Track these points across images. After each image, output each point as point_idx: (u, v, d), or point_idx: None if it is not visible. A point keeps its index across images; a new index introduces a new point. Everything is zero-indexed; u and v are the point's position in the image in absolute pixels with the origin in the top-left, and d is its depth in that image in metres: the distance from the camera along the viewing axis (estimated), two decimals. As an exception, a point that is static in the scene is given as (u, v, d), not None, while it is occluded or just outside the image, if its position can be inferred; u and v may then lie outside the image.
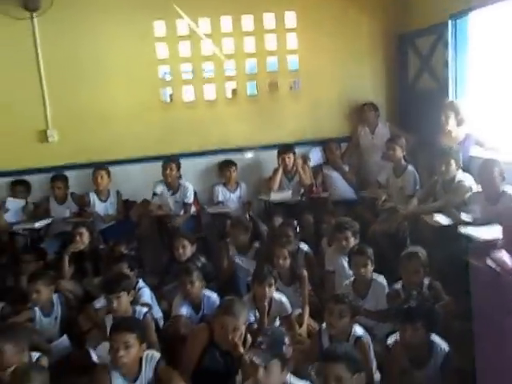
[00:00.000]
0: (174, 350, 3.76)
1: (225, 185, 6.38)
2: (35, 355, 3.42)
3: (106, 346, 3.53)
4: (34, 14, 5.88)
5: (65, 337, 4.20)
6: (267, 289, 3.98)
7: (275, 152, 6.31)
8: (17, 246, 5.74)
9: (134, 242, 5.58)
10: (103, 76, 6.19)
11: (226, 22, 6.33)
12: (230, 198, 6.34)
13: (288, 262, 4.58)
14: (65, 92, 6.13)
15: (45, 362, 3.40)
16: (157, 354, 3.31)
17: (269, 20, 6.40)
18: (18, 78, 6.02)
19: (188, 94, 6.54)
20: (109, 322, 3.87)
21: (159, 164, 6.08)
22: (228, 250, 5.17)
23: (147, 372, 3.22)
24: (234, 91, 6.78)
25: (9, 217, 5.85)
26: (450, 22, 5.56)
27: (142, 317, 3.88)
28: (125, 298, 3.87)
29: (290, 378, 2.90)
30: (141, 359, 3.22)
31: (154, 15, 6.19)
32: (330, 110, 6.72)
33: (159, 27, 6.24)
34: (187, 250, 4.92)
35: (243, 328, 3.38)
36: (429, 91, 6.13)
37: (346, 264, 4.50)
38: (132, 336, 3.12)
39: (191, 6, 6.13)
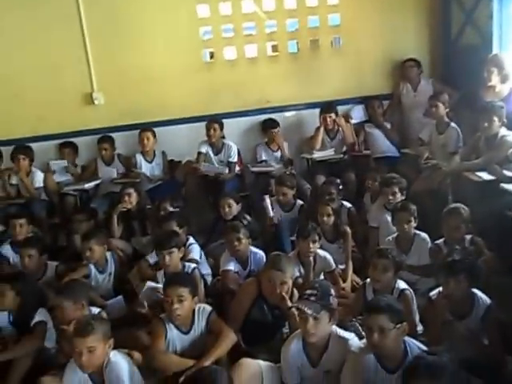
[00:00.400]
0: (222, 304, 3.93)
1: (267, 144, 6.46)
2: (95, 310, 3.64)
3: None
4: (78, -25, 5.97)
5: (120, 297, 4.38)
6: (311, 244, 4.11)
7: (317, 110, 6.36)
8: (67, 206, 5.96)
9: (180, 200, 5.73)
10: (146, 38, 6.29)
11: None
12: (272, 156, 6.43)
13: (332, 219, 4.70)
14: (109, 54, 6.26)
15: (104, 315, 3.61)
16: (208, 307, 3.48)
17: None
18: (62, 40, 6.16)
19: (229, 53, 6.61)
20: (160, 277, 4.09)
21: (203, 124, 6.19)
22: (266, 206, 5.28)
23: (200, 324, 3.40)
24: (275, 49, 6.79)
25: (56, 178, 6.08)
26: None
27: (190, 272, 4.06)
28: (176, 255, 4.05)
29: (335, 329, 3.04)
30: (193, 312, 3.39)
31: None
32: (371, 67, 6.68)
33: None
34: (233, 208, 5.07)
35: (290, 282, 3.52)
36: (472, 46, 6.04)
37: (390, 220, 4.58)
38: (185, 290, 3.29)
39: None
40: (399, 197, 4.77)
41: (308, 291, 2.94)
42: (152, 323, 3.44)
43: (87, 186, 5.90)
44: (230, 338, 3.33)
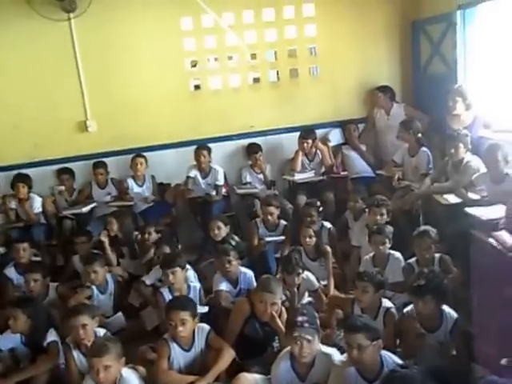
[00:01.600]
0: (216, 321, 4.32)
1: (251, 167, 6.85)
2: (101, 331, 4.02)
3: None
4: (71, 15, 6.32)
5: (120, 313, 4.80)
6: (296, 278, 4.52)
7: (297, 134, 6.77)
8: (65, 228, 6.28)
9: (162, 224, 6.15)
10: (136, 70, 6.66)
11: (248, 15, 6.76)
12: (256, 179, 6.81)
13: (314, 240, 5.15)
14: (101, 86, 6.62)
15: (109, 334, 4.01)
16: (207, 327, 3.90)
17: (288, 12, 6.82)
18: (58, 74, 6.50)
19: (214, 83, 7.01)
20: (165, 292, 4.53)
21: (190, 148, 6.62)
22: (258, 228, 5.71)
23: (200, 342, 3.83)
24: (257, 79, 7.21)
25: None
26: (458, 11, 5.95)
27: (197, 292, 4.57)
28: (179, 274, 4.47)
29: (320, 346, 3.45)
30: (194, 331, 3.80)
31: (181, 11, 6.61)
32: (347, 94, 7.14)
33: (186, 22, 6.67)
34: (222, 230, 5.45)
35: (279, 303, 3.94)
36: (439, 75, 6.52)
37: None
38: (187, 313, 3.71)
39: (215, 2, 6.52)
40: (385, 218, 5.19)
41: (299, 318, 3.30)
42: (157, 344, 3.84)
43: (85, 209, 6.23)
44: (229, 354, 3.75)
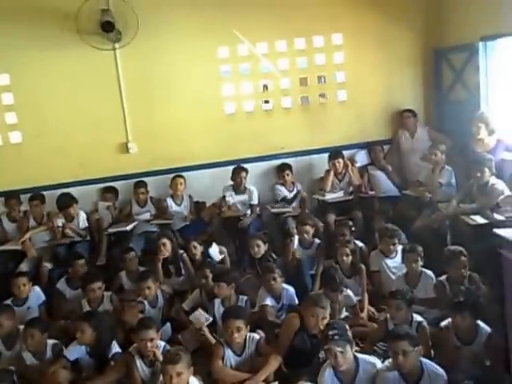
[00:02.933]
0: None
1: (282, 185, 7.22)
2: (161, 343, 4.39)
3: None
4: (116, 45, 6.76)
5: (168, 324, 5.17)
6: (339, 295, 4.85)
7: (325, 155, 7.18)
8: (106, 245, 6.70)
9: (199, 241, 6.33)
10: (174, 95, 7.11)
11: (281, 45, 7.21)
12: (287, 196, 7.17)
13: (350, 258, 5.49)
14: (142, 110, 7.08)
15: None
16: (257, 336, 4.35)
17: (318, 41, 7.26)
18: (102, 99, 6.99)
19: (248, 106, 7.44)
20: (217, 304, 4.97)
21: (224, 169, 7.09)
22: (293, 245, 6.06)
23: (250, 348, 4.28)
24: (288, 103, 7.58)
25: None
26: (480, 43, 6.34)
27: (244, 303, 4.98)
28: (225, 289, 4.93)
29: (363, 356, 3.84)
30: (245, 338, 4.24)
31: (219, 41, 7.09)
32: (373, 117, 7.56)
33: (223, 51, 7.14)
34: (261, 248, 5.79)
35: (328, 317, 4.31)
36: (462, 101, 6.90)
37: (390, 263, 5.51)
38: (242, 321, 4.17)
39: (250, 33, 7.04)
40: (397, 246, 5.56)
41: (330, 332, 3.69)
42: (213, 346, 4.30)
43: (129, 227, 6.62)
44: (277, 360, 4.20)
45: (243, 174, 6.89)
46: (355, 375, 3.75)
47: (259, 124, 7.41)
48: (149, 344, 4.19)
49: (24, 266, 6.21)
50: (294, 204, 7.12)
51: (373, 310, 5.32)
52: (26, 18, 6.59)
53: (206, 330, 4.40)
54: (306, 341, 4.34)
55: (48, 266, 6.26)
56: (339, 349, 3.62)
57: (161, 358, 4.14)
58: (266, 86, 7.66)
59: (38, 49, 6.68)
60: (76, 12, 6.47)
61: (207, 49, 7.07)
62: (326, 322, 4.21)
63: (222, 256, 6.24)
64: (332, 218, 6.71)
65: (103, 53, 6.73)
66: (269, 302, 5.04)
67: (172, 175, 7.01)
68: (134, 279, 5.70)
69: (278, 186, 7.22)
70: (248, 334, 4.28)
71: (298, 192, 7.24)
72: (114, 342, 4.52)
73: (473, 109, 6.46)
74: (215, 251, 6.18)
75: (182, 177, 6.93)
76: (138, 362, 4.27)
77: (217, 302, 5.00)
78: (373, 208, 6.88)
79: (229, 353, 4.21)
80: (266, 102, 7.75)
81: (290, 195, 7.19)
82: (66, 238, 6.55)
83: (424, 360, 3.67)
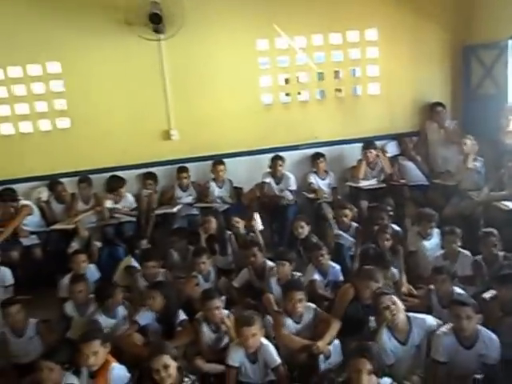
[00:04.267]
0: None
1: (316, 173, 7.59)
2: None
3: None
4: (162, 36, 7.09)
5: (224, 297, 5.44)
6: (388, 272, 5.28)
7: (357, 145, 7.57)
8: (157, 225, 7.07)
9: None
10: (215, 85, 7.49)
11: (318, 39, 7.58)
12: (320, 184, 7.54)
13: (390, 242, 5.84)
14: (184, 99, 7.45)
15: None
16: (312, 305, 4.69)
17: (353, 36, 7.63)
18: (146, 87, 7.35)
19: (284, 97, 7.83)
20: (273, 282, 5.32)
21: (260, 156, 7.53)
22: (332, 228, 6.44)
23: (308, 315, 4.62)
24: (323, 94, 7.99)
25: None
26: (510, 41, 6.74)
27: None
28: (287, 267, 5.25)
29: (413, 314, 4.23)
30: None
31: (258, 34, 7.46)
32: (403, 109, 7.92)
33: (261, 44, 7.51)
34: (305, 229, 6.14)
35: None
36: (490, 95, 7.27)
37: (427, 245, 5.84)
38: (302, 293, 4.57)
39: (288, 27, 7.40)
40: (433, 229, 5.91)
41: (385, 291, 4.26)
42: (275, 315, 4.70)
43: (175, 209, 6.99)
44: (337, 323, 4.55)
45: (280, 162, 7.26)
46: (409, 332, 4.15)
47: (294, 114, 7.79)
48: (216, 312, 4.55)
49: (75, 245, 6.57)
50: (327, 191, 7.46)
51: (410, 287, 5.68)
52: (77, 10, 6.96)
53: (227, 321, 4.63)
54: (359, 310, 4.70)
55: (98, 244, 6.62)
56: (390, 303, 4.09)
57: (229, 323, 4.54)
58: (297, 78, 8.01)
59: (88, 38, 7.05)
60: (125, 4, 6.83)
61: (247, 41, 7.43)
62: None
63: (263, 227, 6.54)
64: (365, 204, 7.08)
65: (149, 43, 7.06)
66: (316, 276, 5.42)
67: (211, 162, 7.40)
68: (185, 256, 6.14)
69: (310, 175, 7.56)
70: (307, 304, 4.64)
71: (331, 180, 7.58)
72: (180, 310, 4.87)
73: (501, 103, 6.87)
74: (258, 220, 6.50)
75: (222, 162, 7.31)
76: (205, 328, 4.62)
77: (273, 280, 5.37)
78: (402, 195, 7.23)
79: (289, 322, 4.56)
80: (298, 93, 8.08)
81: (322, 183, 7.53)
82: (114, 219, 6.91)
83: (479, 327, 4.01)
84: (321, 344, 4.31)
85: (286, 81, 7.84)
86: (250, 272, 5.71)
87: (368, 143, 7.46)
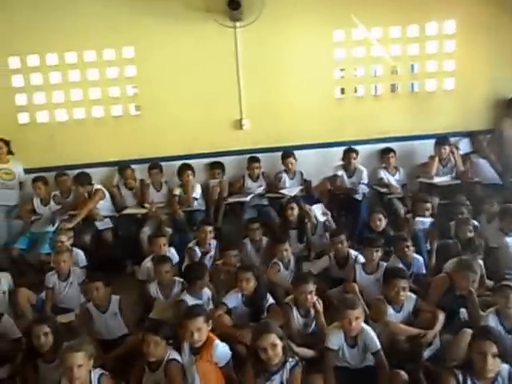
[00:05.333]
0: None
1: (385, 168, 7.48)
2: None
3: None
4: (237, 24, 7.09)
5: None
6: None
7: (428, 141, 7.43)
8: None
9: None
10: (289, 76, 7.45)
11: (395, 31, 7.47)
12: (390, 180, 7.40)
13: (472, 234, 5.75)
14: (257, 89, 7.41)
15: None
16: (413, 295, 4.58)
17: (430, 28, 7.49)
18: (219, 75, 7.35)
19: (358, 90, 7.74)
20: (359, 269, 5.32)
21: (330, 149, 7.49)
22: (409, 223, 6.33)
23: (408, 306, 4.53)
24: (396, 89, 7.88)
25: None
26: None
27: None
28: (376, 253, 5.23)
29: None
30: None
31: (334, 25, 7.39)
32: (478, 106, 7.71)
33: (338, 35, 7.43)
34: (382, 222, 6.12)
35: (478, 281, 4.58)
36: None
37: (509, 241, 5.69)
38: (406, 281, 4.47)
39: (366, 18, 7.30)
40: None
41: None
42: (377, 303, 4.54)
43: (248, 198, 6.96)
44: (443, 315, 4.43)
45: (354, 154, 7.17)
46: None
47: (366, 109, 7.68)
48: (309, 296, 4.48)
49: (147, 230, 6.56)
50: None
51: (491, 282, 5.54)
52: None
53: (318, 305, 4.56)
54: (453, 300, 4.60)
55: (169, 230, 6.59)
56: None
57: (319, 307, 4.48)
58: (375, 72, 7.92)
59: (163, 24, 7.13)
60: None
61: (323, 33, 7.37)
62: (475, 285, 4.49)
63: (325, 218, 6.46)
64: (436, 200, 6.93)
65: (225, 31, 7.09)
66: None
67: (280, 153, 7.33)
68: (258, 247, 6.13)
69: (381, 170, 7.45)
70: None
71: (400, 176, 7.46)
72: (269, 295, 4.81)
73: None
74: (318, 211, 6.45)
75: (293, 154, 7.23)
76: (295, 313, 4.56)
77: (358, 267, 5.31)
78: (475, 193, 7.06)
79: (390, 310, 4.47)
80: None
81: (392, 179, 7.41)
82: (183, 207, 6.89)
83: None
84: (431, 334, 4.27)
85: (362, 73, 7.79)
86: (330, 260, 5.69)
87: (442, 139, 7.31)
